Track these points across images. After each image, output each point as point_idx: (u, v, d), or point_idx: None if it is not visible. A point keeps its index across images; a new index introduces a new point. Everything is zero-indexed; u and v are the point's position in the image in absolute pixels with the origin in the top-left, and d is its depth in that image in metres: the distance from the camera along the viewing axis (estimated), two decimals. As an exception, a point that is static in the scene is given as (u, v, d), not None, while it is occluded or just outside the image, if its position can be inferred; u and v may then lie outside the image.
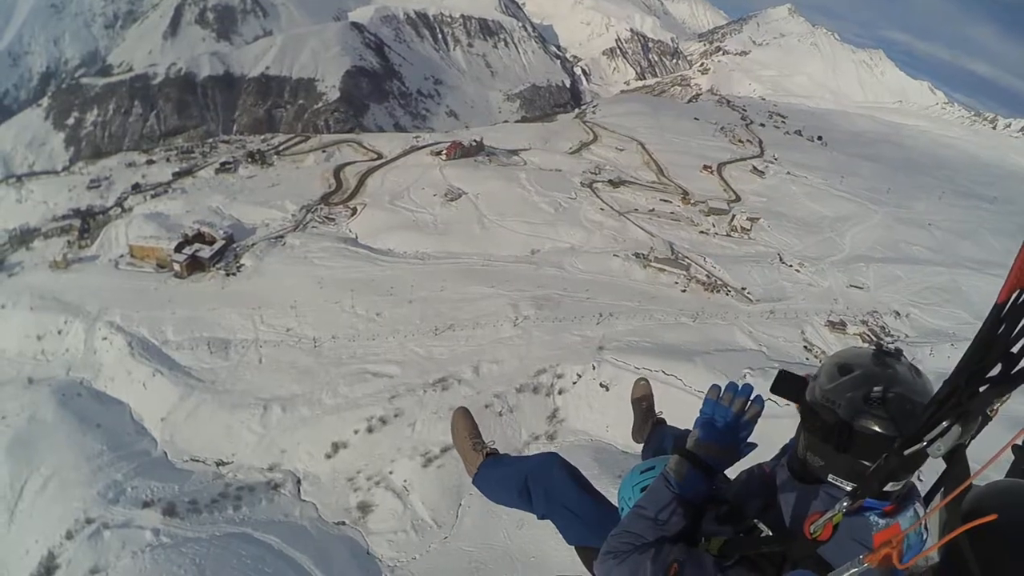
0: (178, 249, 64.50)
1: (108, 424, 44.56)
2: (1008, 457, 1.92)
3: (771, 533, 2.08)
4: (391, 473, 38.95)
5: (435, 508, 36.79)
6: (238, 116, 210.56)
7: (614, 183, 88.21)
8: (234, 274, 62.44)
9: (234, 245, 67.94)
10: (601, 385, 43.41)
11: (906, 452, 1.56)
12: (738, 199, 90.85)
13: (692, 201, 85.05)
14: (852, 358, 2.02)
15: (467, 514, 36.08)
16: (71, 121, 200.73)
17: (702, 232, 76.13)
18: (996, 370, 1.37)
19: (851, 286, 65.86)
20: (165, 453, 43.19)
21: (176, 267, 62.90)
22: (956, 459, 1.65)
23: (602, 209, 78.18)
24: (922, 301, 63.78)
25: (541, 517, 3.26)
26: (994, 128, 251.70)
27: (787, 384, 2.19)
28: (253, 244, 68.07)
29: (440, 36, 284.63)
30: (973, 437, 1.57)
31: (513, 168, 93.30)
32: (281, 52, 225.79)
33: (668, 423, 4.01)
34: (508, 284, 57.88)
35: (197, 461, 42.41)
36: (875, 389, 1.87)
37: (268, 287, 58.78)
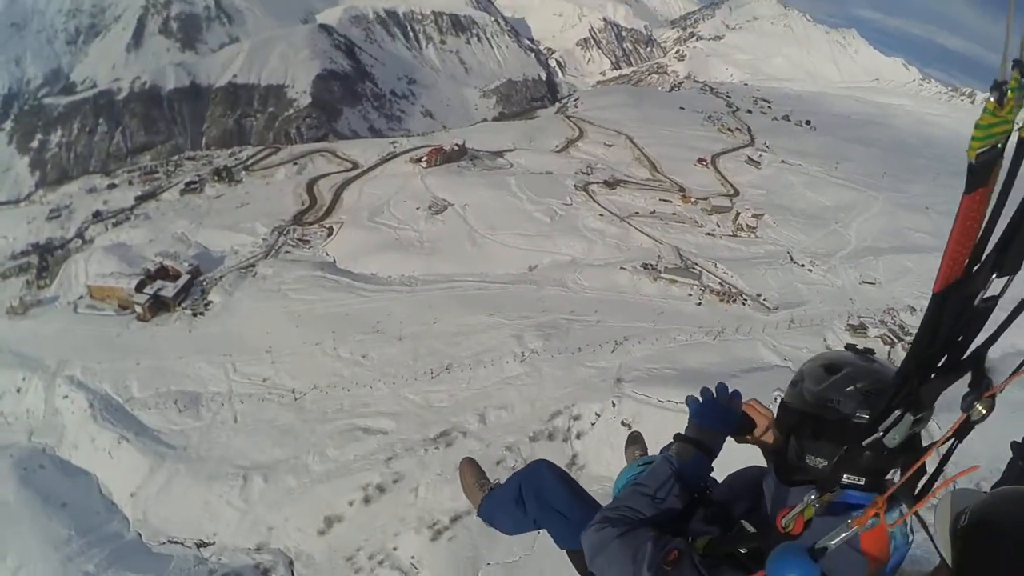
0: (139, 288, 58.78)
1: (75, 502, 39.92)
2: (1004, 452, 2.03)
3: (755, 532, 2.11)
4: (396, 549, 33.63)
5: (449, 587, 31.83)
6: (206, 128, 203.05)
7: (609, 184, 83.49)
8: (201, 314, 56.78)
9: (200, 278, 62.38)
10: (623, 423, 38.43)
11: (864, 443, 1.65)
12: (737, 193, 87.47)
13: (693, 199, 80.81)
14: (835, 358, 2.12)
15: (485, 590, 31.12)
16: (35, 144, 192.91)
17: (708, 234, 72.06)
18: (944, 360, 1.45)
19: (863, 282, 63.45)
20: (139, 535, 38.44)
21: (138, 309, 57.00)
22: (913, 448, 1.77)
23: (601, 215, 73.35)
24: (934, 293, 60.42)
25: (534, 523, 3.22)
26: (972, 103, 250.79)
27: (742, 426, 2.44)
28: (221, 276, 62.52)
29: (412, 34, 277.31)
30: (959, 440, 1.61)
31: (500, 172, 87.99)
32: (248, 59, 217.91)
33: None
34: (508, 310, 52.59)
35: (175, 543, 37.57)
36: (869, 382, 1.97)
37: (239, 328, 53.16)
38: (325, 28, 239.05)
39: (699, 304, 56.18)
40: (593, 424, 38.89)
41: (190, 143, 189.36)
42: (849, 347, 2.17)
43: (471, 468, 3.96)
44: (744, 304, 57.03)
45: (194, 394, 46.50)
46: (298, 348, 49.62)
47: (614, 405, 39.25)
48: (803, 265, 65.83)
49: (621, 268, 60.13)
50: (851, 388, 1.99)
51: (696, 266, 62.46)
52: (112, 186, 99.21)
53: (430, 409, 41.56)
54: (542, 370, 43.58)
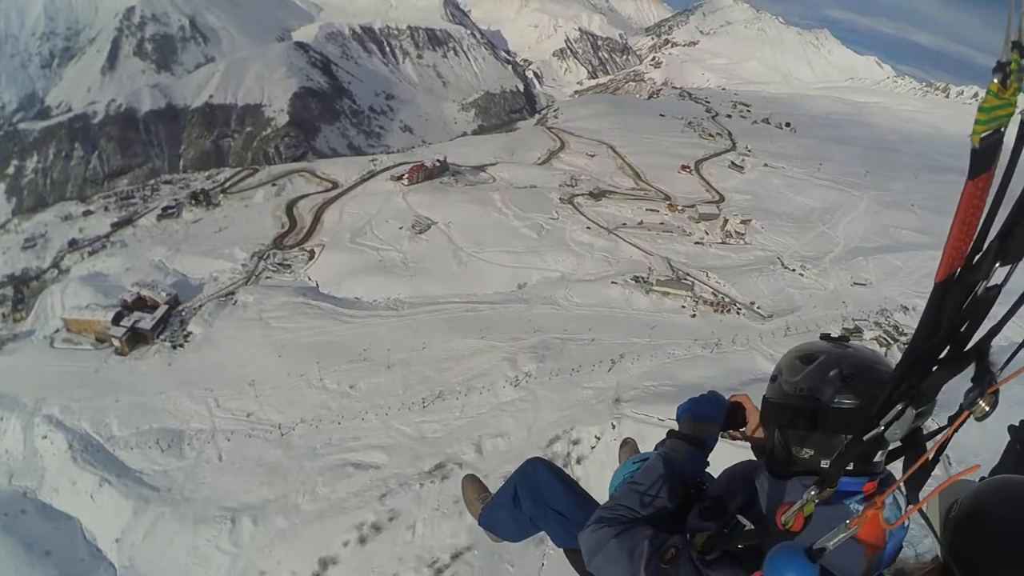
0: (116, 320, 56.61)
1: (58, 549, 38.43)
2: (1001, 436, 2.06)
3: (752, 527, 2.08)
4: (394, 591, 32.15)
5: (453, 631, 30.49)
6: (184, 150, 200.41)
7: (595, 195, 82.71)
8: (181, 346, 54.75)
9: (179, 308, 60.36)
10: (624, 445, 37.30)
11: (865, 437, 1.63)
12: (722, 199, 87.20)
13: (679, 207, 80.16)
14: (810, 348, 2.10)
15: (491, 632, 29.81)
16: (11, 170, 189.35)
17: (697, 243, 71.52)
18: (946, 352, 1.41)
19: (855, 284, 63.20)
20: (127, 584, 36.69)
21: (116, 343, 55.01)
22: (914, 443, 1.72)
23: (588, 228, 72.45)
24: (925, 290, 59.54)
25: (531, 522, 3.16)
26: (947, 96, 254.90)
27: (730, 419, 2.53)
28: (201, 306, 60.48)
29: (388, 49, 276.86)
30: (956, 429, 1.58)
31: (483, 188, 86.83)
32: (224, 78, 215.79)
33: None
34: (499, 332, 51.21)
35: (164, 590, 35.84)
36: (846, 366, 1.96)
37: (221, 360, 51.32)
38: (301, 46, 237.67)
39: (693, 316, 55.35)
40: (593, 448, 37.81)
41: (167, 166, 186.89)
42: (824, 336, 2.14)
43: (473, 484, 3.94)
44: (739, 313, 56.35)
45: (176, 431, 44.67)
46: (282, 380, 47.88)
47: (614, 427, 38.10)
48: (794, 270, 65.53)
49: (612, 282, 59.10)
50: (828, 375, 1.96)
51: (688, 276, 61.61)
52: (88, 213, 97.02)
53: (423, 440, 40.01)
54: (537, 394, 42.26)
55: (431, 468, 37.19)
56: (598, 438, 37.93)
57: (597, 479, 35.92)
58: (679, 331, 51.62)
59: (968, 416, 1.40)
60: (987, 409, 1.38)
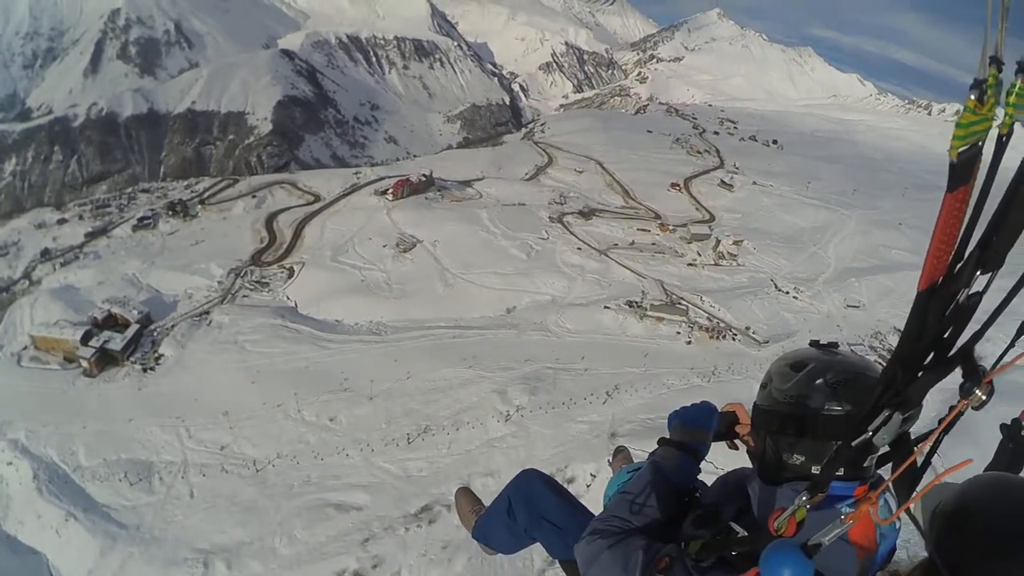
0: (85, 339, 54.13)
1: None
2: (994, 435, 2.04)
3: (746, 534, 2.11)
4: (377, 646, 29.89)
5: None
6: (164, 157, 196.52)
7: (584, 214, 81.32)
8: (152, 369, 52.22)
9: (151, 327, 57.81)
10: (620, 484, 35.39)
11: (854, 443, 1.63)
12: (713, 218, 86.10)
13: (671, 227, 78.91)
14: (800, 356, 2.13)
15: None
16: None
17: (690, 264, 70.41)
18: (931, 358, 1.43)
19: (848, 306, 62.60)
20: (95, 626, 34.47)
21: (84, 363, 52.39)
22: (901, 447, 1.76)
23: (579, 248, 70.90)
24: (918, 312, 60.06)
25: (525, 533, 3.15)
26: (929, 114, 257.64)
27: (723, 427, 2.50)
28: (173, 325, 58.02)
29: (374, 59, 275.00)
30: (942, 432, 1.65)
31: (470, 205, 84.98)
32: (208, 84, 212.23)
33: None
34: (488, 361, 49.06)
35: (133, 640, 33.52)
36: (835, 374, 1.98)
37: (193, 386, 48.79)
38: (287, 53, 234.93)
39: (689, 343, 53.86)
40: (588, 486, 35.63)
41: (148, 172, 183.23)
42: (813, 343, 2.16)
43: (466, 497, 3.87)
44: (734, 339, 55.12)
45: (146, 463, 42.14)
46: (258, 410, 45.36)
47: (610, 464, 36.18)
48: (788, 292, 64.70)
49: (605, 307, 57.47)
50: (818, 382, 1.99)
51: (682, 301, 60.24)
52: (62, 221, 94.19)
53: (408, 480, 37.66)
54: (529, 429, 40.11)
55: (417, 510, 34.85)
56: (593, 476, 35.93)
57: (592, 519, 34.07)
58: (675, 359, 49.99)
59: (964, 406, 1.41)
60: (984, 398, 1.40)
